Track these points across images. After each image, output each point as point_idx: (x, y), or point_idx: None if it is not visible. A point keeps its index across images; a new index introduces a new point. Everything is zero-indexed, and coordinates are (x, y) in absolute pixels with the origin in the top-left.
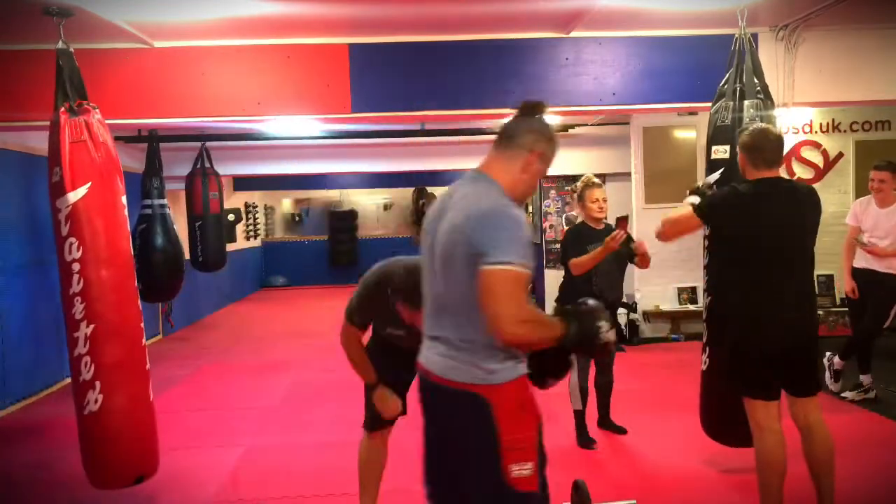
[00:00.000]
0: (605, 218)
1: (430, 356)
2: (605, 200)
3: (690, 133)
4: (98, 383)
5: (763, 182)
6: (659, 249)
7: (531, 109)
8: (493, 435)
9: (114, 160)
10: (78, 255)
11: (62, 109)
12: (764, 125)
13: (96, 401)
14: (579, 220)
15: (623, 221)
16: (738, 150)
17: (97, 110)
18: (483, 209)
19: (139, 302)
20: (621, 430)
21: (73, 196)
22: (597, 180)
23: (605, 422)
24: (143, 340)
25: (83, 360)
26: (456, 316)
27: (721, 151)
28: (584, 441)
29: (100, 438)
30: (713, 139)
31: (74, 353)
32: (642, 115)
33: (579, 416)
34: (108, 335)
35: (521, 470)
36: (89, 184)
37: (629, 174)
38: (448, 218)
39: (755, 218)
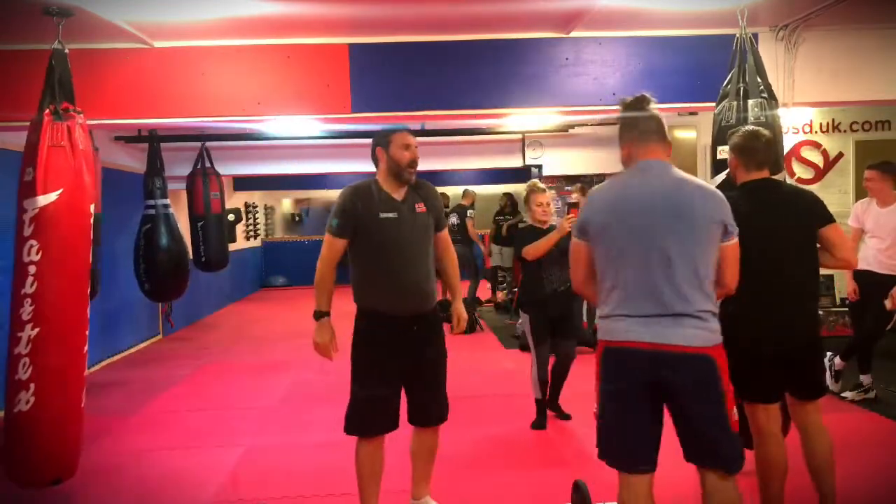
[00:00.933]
0: (550, 221)
1: (675, 331)
2: (548, 205)
3: (691, 133)
4: (33, 385)
5: (754, 184)
6: None
7: (642, 102)
8: (722, 388)
9: (90, 168)
10: (36, 258)
11: (46, 111)
12: (754, 127)
13: (28, 401)
14: (527, 222)
15: (574, 208)
16: (730, 151)
17: (82, 115)
18: (711, 190)
19: (88, 310)
20: (566, 416)
21: (44, 199)
22: (541, 186)
23: (553, 405)
24: (86, 348)
25: (22, 360)
26: (697, 289)
27: (727, 152)
28: (538, 424)
29: (24, 438)
30: (718, 139)
31: (14, 352)
32: None
33: (539, 404)
34: (51, 340)
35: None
36: (60, 190)
37: None
38: (673, 200)
39: (748, 220)
